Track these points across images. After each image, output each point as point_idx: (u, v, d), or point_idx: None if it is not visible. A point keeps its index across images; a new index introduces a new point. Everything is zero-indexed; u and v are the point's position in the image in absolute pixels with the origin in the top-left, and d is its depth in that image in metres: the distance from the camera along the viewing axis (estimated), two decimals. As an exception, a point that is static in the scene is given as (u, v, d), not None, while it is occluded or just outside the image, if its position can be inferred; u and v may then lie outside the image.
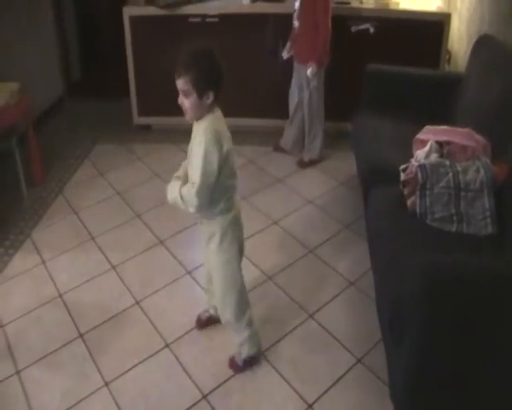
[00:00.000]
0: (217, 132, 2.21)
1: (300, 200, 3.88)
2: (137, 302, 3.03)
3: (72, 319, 2.93)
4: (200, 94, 2.19)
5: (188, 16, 4.45)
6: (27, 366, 2.66)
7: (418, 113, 3.34)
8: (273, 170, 4.24)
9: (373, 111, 3.60)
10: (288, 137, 4.42)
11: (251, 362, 2.63)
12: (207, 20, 4.45)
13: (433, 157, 2.74)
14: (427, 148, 2.79)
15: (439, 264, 2.01)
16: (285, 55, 4.16)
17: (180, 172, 2.41)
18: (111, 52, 6.21)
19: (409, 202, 2.68)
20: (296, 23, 3.95)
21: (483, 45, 3.36)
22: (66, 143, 4.87)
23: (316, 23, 3.80)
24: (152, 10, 4.51)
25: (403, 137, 3.14)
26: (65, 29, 5.66)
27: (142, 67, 4.73)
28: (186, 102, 2.21)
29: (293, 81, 4.18)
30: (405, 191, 2.72)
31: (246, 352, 2.60)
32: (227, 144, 2.23)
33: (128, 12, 4.57)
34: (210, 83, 2.21)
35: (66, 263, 3.36)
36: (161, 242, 3.52)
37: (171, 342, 2.78)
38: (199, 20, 4.44)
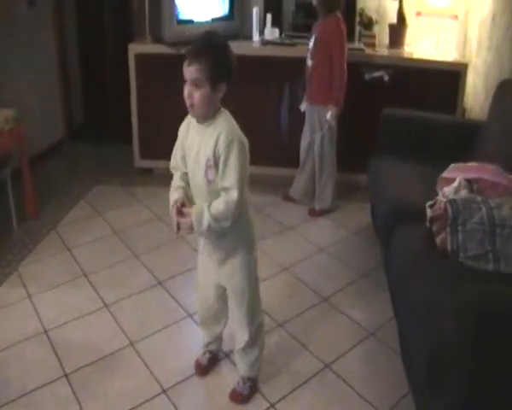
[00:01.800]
0: (239, 132, 2.02)
1: (312, 247, 3.62)
2: (131, 343, 2.72)
3: (57, 358, 2.62)
4: (214, 85, 1.97)
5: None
6: (2, 406, 2.32)
7: (437, 157, 3.11)
8: (282, 218, 3.99)
9: (390, 155, 3.40)
10: (298, 186, 4.20)
11: (255, 387, 2.43)
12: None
13: (463, 193, 2.50)
14: (455, 184, 2.56)
15: (489, 295, 1.74)
16: (303, 107, 4.00)
17: (179, 196, 2.16)
18: (114, 98, 6.07)
19: (438, 240, 2.42)
20: (310, 62, 3.80)
21: (506, 90, 3.20)
22: (63, 182, 4.63)
23: (330, 62, 3.67)
24: (159, 48, 4.37)
25: (424, 178, 2.95)
26: (68, 73, 5.51)
27: (146, 108, 4.55)
28: (196, 95, 1.97)
29: (306, 123, 3.99)
30: (434, 228, 2.47)
31: (255, 373, 2.41)
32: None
33: (134, 49, 4.44)
34: (225, 73, 2.00)
35: (53, 299, 3.06)
36: (160, 283, 3.23)
37: (169, 388, 2.45)
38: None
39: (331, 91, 3.70)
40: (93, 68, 5.90)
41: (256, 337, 2.35)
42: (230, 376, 2.51)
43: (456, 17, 4.18)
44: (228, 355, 2.64)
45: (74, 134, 5.61)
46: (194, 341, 2.74)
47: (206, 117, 2.05)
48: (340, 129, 3.95)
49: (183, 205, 2.13)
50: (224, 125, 2.01)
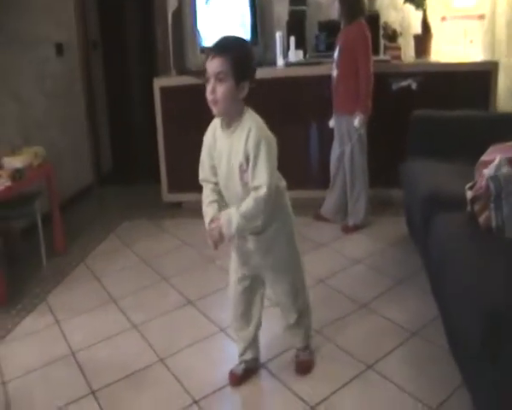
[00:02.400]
0: (266, 130, 1.99)
1: (347, 260, 3.47)
2: (161, 360, 2.58)
3: (84, 377, 2.49)
4: (238, 81, 1.91)
5: (220, 84, 4.27)
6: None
7: (472, 153, 2.95)
8: (315, 236, 3.85)
9: (422, 157, 3.27)
10: (329, 204, 4.07)
11: (312, 352, 2.46)
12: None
13: (505, 169, 2.34)
14: (495, 162, 2.40)
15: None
16: (331, 123, 3.93)
17: (215, 212, 2.10)
18: (141, 138, 6.16)
19: (481, 219, 2.27)
20: (335, 72, 3.74)
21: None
22: (92, 221, 4.61)
23: (356, 70, 3.60)
24: (183, 80, 4.39)
25: (459, 171, 2.82)
26: (96, 119, 5.58)
27: (172, 141, 4.54)
28: (219, 90, 1.91)
29: (335, 136, 3.89)
30: (476, 208, 2.31)
31: (310, 339, 2.42)
32: None
33: (158, 83, 4.46)
34: (248, 70, 1.96)
35: (81, 323, 2.97)
36: (190, 302, 3.11)
37: (201, 399, 2.29)
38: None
39: (358, 99, 3.61)
40: (120, 112, 6.00)
41: (305, 309, 2.34)
42: (266, 386, 2.38)
43: (482, 17, 4.09)
44: (265, 366, 2.48)
45: (103, 179, 5.63)
46: (227, 354, 2.61)
47: (231, 117, 2.00)
48: (369, 141, 3.84)
49: None
50: (252, 123, 1.96)
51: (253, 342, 2.41)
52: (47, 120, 4.62)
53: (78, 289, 3.37)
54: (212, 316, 2.92)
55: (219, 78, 1.90)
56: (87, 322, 2.97)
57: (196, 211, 4.44)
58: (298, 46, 4.36)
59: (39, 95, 4.52)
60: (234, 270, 2.33)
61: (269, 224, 2.09)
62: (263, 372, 2.44)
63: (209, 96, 1.94)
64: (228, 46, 1.94)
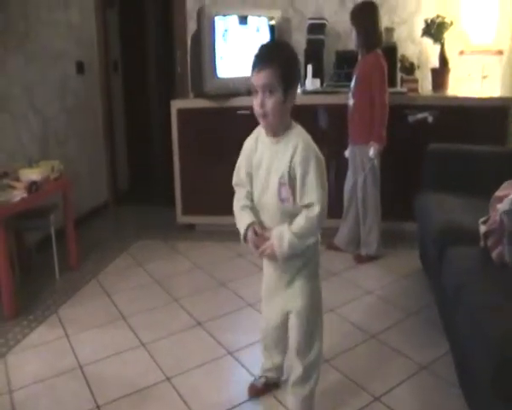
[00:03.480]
0: (315, 146, 1.95)
1: (358, 290, 3.46)
2: (168, 378, 2.58)
3: (90, 391, 2.49)
4: (286, 92, 1.88)
5: (237, 108, 4.30)
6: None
7: (487, 189, 2.95)
8: (328, 265, 3.82)
9: (436, 190, 3.28)
10: (343, 234, 4.07)
11: None
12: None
13: (520, 205, 2.34)
14: (510, 197, 2.39)
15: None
16: (347, 153, 3.94)
17: (251, 218, 2.05)
18: (158, 161, 6.21)
19: (494, 254, 2.27)
20: (351, 101, 3.76)
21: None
22: (106, 238, 4.65)
23: (372, 100, 3.62)
24: (200, 103, 4.43)
25: (474, 206, 2.80)
26: (114, 138, 5.64)
27: (188, 162, 4.56)
28: (269, 102, 1.88)
29: (349, 166, 3.91)
30: (489, 243, 2.31)
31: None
32: None
33: (176, 105, 4.51)
34: (296, 81, 1.95)
35: (90, 338, 2.98)
36: (200, 324, 3.11)
37: (206, 420, 2.29)
38: (248, 112, 4.25)
39: (373, 129, 3.62)
40: (138, 133, 6.06)
41: (310, 371, 2.16)
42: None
43: (501, 52, 4.12)
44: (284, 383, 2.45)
45: (119, 197, 5.67)
46: (235, 377, 2.62)
47: (278, 130, 1.96)
48: (384, 173, 3.85)
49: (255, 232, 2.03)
50: (300, 139, 1.93)
51: (279, 367, 2.40)
52: (66, 135, 4.69)
53: (89, 304, 3.38)
54: (221, 339, 2.92)
55: (269, 90, 1.87)
56: (96, 337, 2.98)
57: (209, 233, 4.54)
58: (315, 75, 4.39)
59: (59, 110, 4.59)
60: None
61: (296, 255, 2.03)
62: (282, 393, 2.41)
63: (258, 109, 1.91)
64: (274, 56, 1.89)
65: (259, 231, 2.02)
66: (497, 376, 1.64)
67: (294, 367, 2.20)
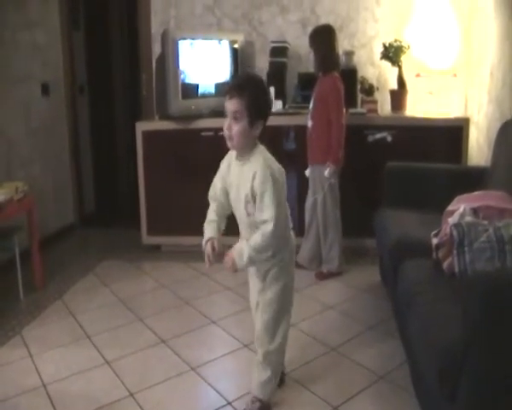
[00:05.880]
0: (274, 166, 2.16)
1: (319, 306, 3.53)
2: (132, 394, 2.61)
3: (54, 409, 2.51)
4: (252, 120, 2.11)
5: (201, 130, 4.38)
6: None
7: (442, 205, 3.07)
8: (289, 282, 3.90)
9: (395, 206, 3.39)
10: (304, 252, 4.14)
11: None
12: (221, 133, 4.38)
13: (468, 218, 2.46)
14: (460, 210, 2.51)
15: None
16: (307, 172, 4.02)
17: (212, 234, 2.31)
18: (124, 183, 6.25)
19: (445, 265, 2.38)
20: (310, 123, 3.87)
21: (507, 131, 3.19)
22: (71, 259, 4.65)
23: (328, 121, 3.72)
24: (164, 124, 4.49)
25: (429, 221, 2.89)
26: (80, 160, 5.65)
27: (153, 184, 4.59)
28: (234, 127, 2.11)
29: (309, 185, 4.00)
30: (440, 254, 2.41)
31: (263, 396, 2.37)
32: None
33: (141, 127, 4.56)
34: (263, 111, 2.16)
35: (54, 357, 2.99)
36: (163, 341, 3.14)
37: (168, 434, 2.32)
38: (212, 133, 4.34)
39: (330, 150, 3.73)
40: (104, 154, 6.08)
41: (270, 361, 2.34)
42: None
43: (455, 75, 4.29)
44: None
45: (85, 219, 5.67)
46: (198, 392, 2.66)
47: (244, 152, 2.18)
48: (345, 191, 3.95)
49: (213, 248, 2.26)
50: (259, 163, 2.13)
51: None
52: (31, 157, 4.70)
53: (54, 324, 3.39)
54: (184, 355, 2.96)
55: (235, 117, 2.10)
56: (60, 356, 2.99)
57: (174, 254, 4.57)
58: (278, 96, 4.48)
59: (24, 132, 4.61)
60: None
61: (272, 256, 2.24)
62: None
63: (226, 131, 2.15)
64: (244, 87, 2.12)
65: (216, 246, 2.25)
66: (441, 378, 1.73)
67: (258, 351, 2.38)
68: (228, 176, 2.29)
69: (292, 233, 2.38)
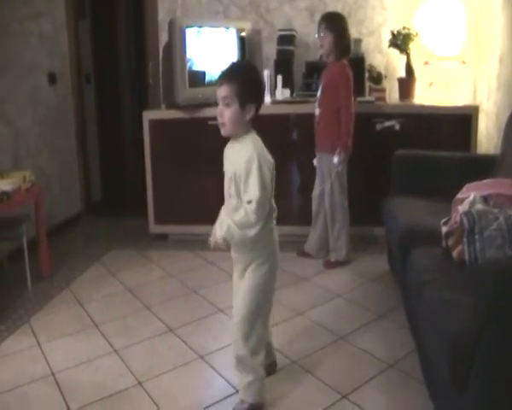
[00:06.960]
0: (262, 151, 2.15)
1: (328, 294, 3.52)
2: (140, 383, 2.61)
3: (63, 396, 2.51)
4: (243, 105, 2.11)
5: (208, 119, 4.35)
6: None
7: (451, 193, 3.05)
8: (297, 271, 3.90)
9: (403, 194, 3.36)
10: (312, 241, 4.13)
11: None
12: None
13: (479, 206, 2.43)
14: (470, 198, 2.49)
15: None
16: (315, 161, 3.99)
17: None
18: (131, 172, 6.24)
19: (455, 253, 2.35)
20: (317, 111, 3.84)
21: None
22: (78, 248, 4.67)
23: (337, 109, 3.70)
24: (172, 114, 4.47)
25: (438, 209, 2.88)
26: (87, 149, 5.65)
27: (160, 173, 4.59)
28: (226, 113, 2.13)
29: (317, 174, 3.98)
30: (450, 242, 2.39)
31: (249, 398, 2.29)
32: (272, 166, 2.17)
33: (148, 116, 4.55)
34: (253, 95, 2.15)
35: (62, 345, 2.99)
36: (171, 330, 3.14)
37: (176, 422, 2.32)
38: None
39: (339, 137, 3.70)
40: (111, 143, 6.07)
41: (247, 366, 2.27)
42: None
43: (464, 62, 4.25)
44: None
45: (92, 208, 5.67)
46: (206, 380, 2.65)
47: (236, 136, 2.19)
48: (353, 180, 3.93)
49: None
50: (248, 147, 2.13)
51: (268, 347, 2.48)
52: (38, 146, 4.70)
53: (61, 313, 3.40)
54: (192, 343, 2.96)
55: (226, 102, 2.11)
56: (68, 345, 3.00)
57: (182, 243, 4.57)
58: (285, 85, 4.47)
59: (31, 121, 4.60)
60: None
61: (248, 248, 2.22)
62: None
63: (218, 118, 2.16)
64: (233, 73, 2.15)
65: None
66: (453, 368, 1.71)
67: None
68: (225, 161, 2.30)
69: (275, 230, 2.32)
